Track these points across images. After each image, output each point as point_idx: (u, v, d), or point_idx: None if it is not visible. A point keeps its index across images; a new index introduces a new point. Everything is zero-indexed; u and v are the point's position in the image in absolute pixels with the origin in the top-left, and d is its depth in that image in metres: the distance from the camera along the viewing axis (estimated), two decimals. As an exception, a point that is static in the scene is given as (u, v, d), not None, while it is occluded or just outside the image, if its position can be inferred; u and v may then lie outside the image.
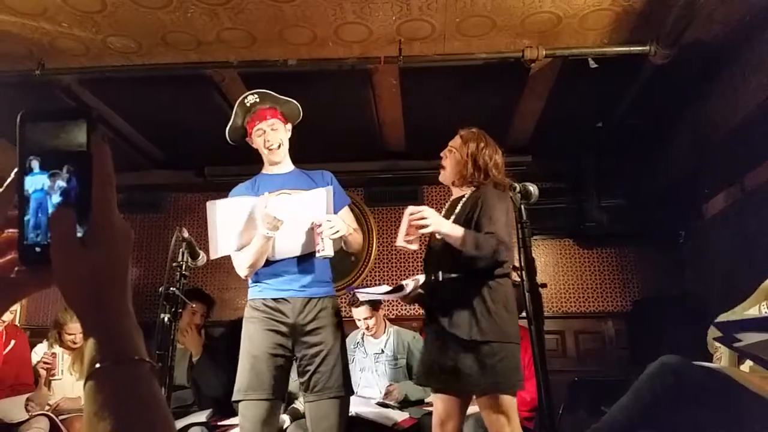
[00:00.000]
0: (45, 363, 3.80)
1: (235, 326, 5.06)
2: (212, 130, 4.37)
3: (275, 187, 2.71)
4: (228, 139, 2.84)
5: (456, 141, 2.72)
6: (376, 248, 5.26)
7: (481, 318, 2.40)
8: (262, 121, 2.72)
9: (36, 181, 0.59)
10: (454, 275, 2.50)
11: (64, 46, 3.30)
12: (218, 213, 2.50)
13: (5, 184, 0.61)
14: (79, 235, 0.58)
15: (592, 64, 3.37)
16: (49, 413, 3.48)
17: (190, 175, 5.25)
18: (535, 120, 4.44)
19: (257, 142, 2.76)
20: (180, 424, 3.60)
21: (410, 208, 2.39)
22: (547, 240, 5.21)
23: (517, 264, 2.20)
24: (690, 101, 3.96)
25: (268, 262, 2.62)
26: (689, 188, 4.52)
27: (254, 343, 2.56)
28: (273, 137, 2.72)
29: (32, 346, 4.01)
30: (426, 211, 2.34)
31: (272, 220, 2.44)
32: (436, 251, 2.62)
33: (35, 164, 0.59)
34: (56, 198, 0.59)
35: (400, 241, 2.39)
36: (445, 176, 2.72)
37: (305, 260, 2.65)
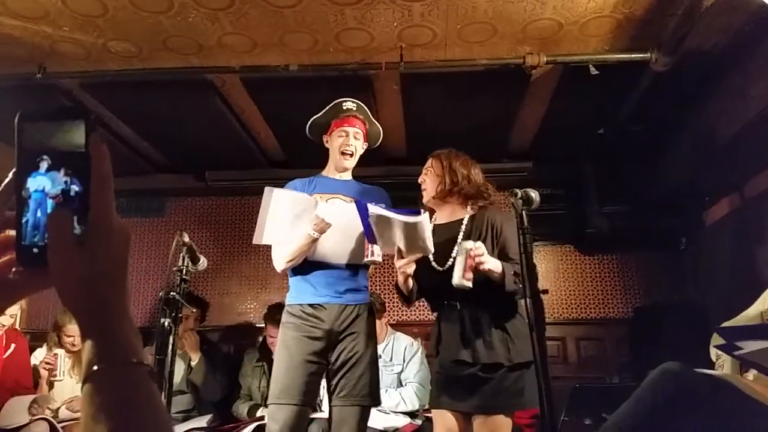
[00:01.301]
0: (47, 363, 3.79)
1: (235, 331, 5.10)
2: (213, 135, 4.41)
3: (332, 191, 2.76)
4: (307, 132, 2.89)
5: (428, 162, 2.74)
6: (376, 254, 5.25)
7: (515, 339, 2.43)
8: (350, 126, 2.79)
9: (37, 183, 0.59)
10: (475, 301, 2.49)
11: (65, 50, 3.30)
12: (273, 201, 2.52)
13: (3, 184, 0.61)
14: (77, 235, 0.58)
15: (593, 71, 3.37)
16: (48, 417, 3.46)
17: (191, 180, 5.24)
18: (536, 126, 4.44)
19: (335, 141, 2.80)
20: (180, 429, 3.59)
21: (468, 244, 2.31)
22: (548, 246, 5.20)
23: (518, 270, 2.19)
24: (691, 109, 3.96)
25: (307, 266, 2.66)
26: (690, 195, 4.52)
27: (290, 349, 2.58)
28: (353, 143, 2.79)
29: (32, 350, 4.01)
30: (482, 248, 2.30)
31: (320, 222, 2.48)
32: (443, 278, 2.51)
33: (43, 165, 0.59)
34: (54, 199, 0.59)
35: (460, 280, 2.27)
36: (427, 194, 2.69)
37: (347, 267, 2.69)
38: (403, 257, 2.43)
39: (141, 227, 5.43)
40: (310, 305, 2.63)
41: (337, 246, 2.62)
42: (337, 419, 2.59)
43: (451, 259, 2.49)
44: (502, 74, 3.49)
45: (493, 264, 2.33)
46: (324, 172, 2.90)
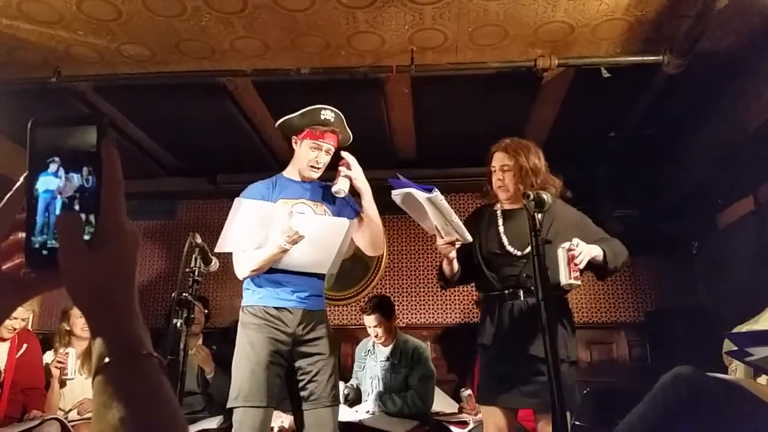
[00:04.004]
0: (59, 362, 3.81)
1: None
2: (225, 138, 4.44)
3: (296, 195, 2.75)
4: (276, 126, 2.88)
5: (503, 158, 2.69)
6: (386, 257, 5.25)
7: (570, 337, 2.48)
8: (324, 142, 2.73)
9: (46, 184, 0.60)
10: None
11: (79, 54, 3.33)
12: (242, 211, 2.52)
13: (15, 187, 0.62)
14: (87, 237, 0.59)
15: (605, 74, 3.36)
16: (60, 418, 3.49)
17: (203, 183, 5.27)
18: (547, 129, 4.43)
19: (306, 152, 2.74)
20: (191, 430, 3.60)
21: (566, 244, 2.35)
22: (560, 250, 5.18)
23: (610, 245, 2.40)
24: (703, 111, 3.94)
25: (270, 270, 2.66)
26: (703, 199, 4.49)
27: (256, 350, 2.58)
28: (324, 160, 2.76)
29: (44, 351, 4.03)
30: (581, 245, 2.35)
31: (294, 234, 2.47)
32: (515, 265, 2.58)
33: (53, 166, 0.60)
34: (65, 200, 0.60)
35: (567, 280, 2.32)
36: (507, 193, 2.68)
37: (308, 273, 2.72)
38: (442, 237, 2.49)
39: (152, 229, 5.47)
40: (276, 308, 2.64)
41: (302, 257, 2.62)
42: (312, 422, 2.62)
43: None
44: (513, 77, 3.49)
45: (593, 252, 2.38)
46: (286, 173, 2.86)
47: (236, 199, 2.55)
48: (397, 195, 2.45)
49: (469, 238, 2.51)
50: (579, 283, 2.34)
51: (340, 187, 2.63)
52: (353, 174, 2.65)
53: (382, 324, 3.99)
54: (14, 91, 3.54)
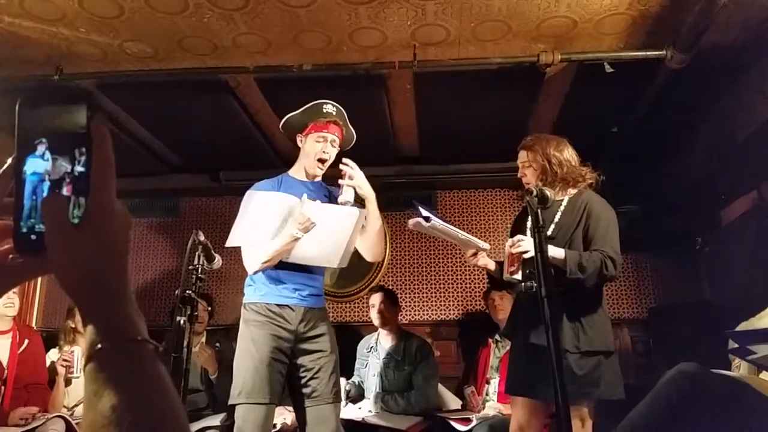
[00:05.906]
0: (65, 360, 3.81)
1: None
2: (227, 135, 4.43)
3: (299, 194, 2.73)
4: (280, 127, 2.91)
5: (523, 155, 2.75)
6: (389, 253, 5.25)
7: (587, 328, 2.45)
8: (329, 133, 2.74)
9: (34, 166, 0.58)
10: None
11: (81, 51, 3.33)
12: (255, 202, 2.53)
13: (1, 170, 0.60)
14: (75, 220, 0.57)
15: (608, 69, 3.34)
16: (65, 415, 3.49)
17: (206, 180, 5.27)
18: (550, 125, 4.41)
19: (312, 145, 2.75)
20: (194, 428, 3.61)
21: (510, 241, 2.45)
22: (562, 246, 5.17)
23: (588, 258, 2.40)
24: (707, 106, 3.92)
25: (273, 267, 2.66)
26: (706, 194, 4.47)
27: (258, 347, 2.59)
28: (330, 151, 2.76)
29: (47, 349, 4.03)
30: (526, 240, 2.40)
31: (306, 221, 2.47)
32: (531, 260, 2.61)
33: (41, 148, 0.58)
34: (53, 182, 0.58)
35: (504, 274, 2.46)
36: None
37: (309, 271, 2.74)
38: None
39: (155, 227, 5.47)
40: (278, 305, 2.65)
41: (312, 248, 2.62)
42: (314, 417, 2.63)
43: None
44: (516, 73, 3.47)
45: (553, 252, 2.37)
46: (291, 172, 2.86)
47: (247, 192, 2.56)
48: (413, 223, 2.54)
49: (483, 246, 2.62)
50: (518, 277, 2.43)
51: (346, 198, 2.61)
52: (357, 182, 2.62)
53: (386, 303, 4.01)
54: (16, 89, 3.54)
